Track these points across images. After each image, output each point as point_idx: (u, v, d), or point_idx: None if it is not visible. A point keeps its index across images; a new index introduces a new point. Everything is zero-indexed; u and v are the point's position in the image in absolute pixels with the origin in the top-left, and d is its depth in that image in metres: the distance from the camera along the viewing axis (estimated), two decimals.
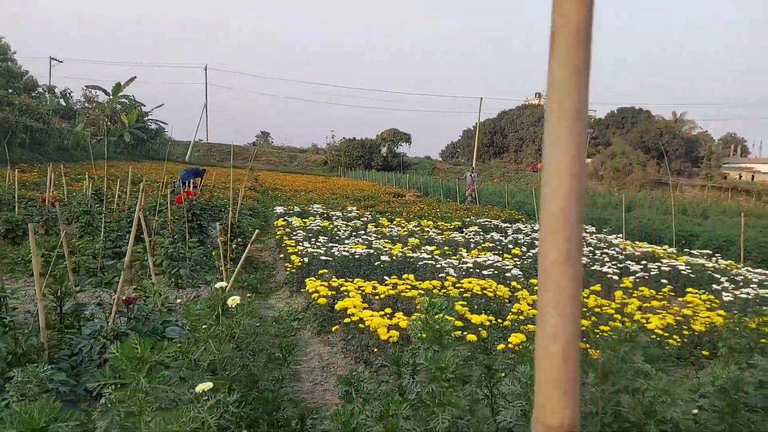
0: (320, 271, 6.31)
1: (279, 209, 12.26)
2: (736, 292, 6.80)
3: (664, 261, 8.64)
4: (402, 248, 8.47)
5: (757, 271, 8.49)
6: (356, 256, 7.08)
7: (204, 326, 2.33)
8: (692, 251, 10.39)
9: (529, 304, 5.27)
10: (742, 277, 8.14)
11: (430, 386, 2.00)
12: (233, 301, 2.42)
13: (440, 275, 6.88)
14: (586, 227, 13.11)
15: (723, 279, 7.47)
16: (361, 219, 12.55)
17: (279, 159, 58.59)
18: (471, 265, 7.49)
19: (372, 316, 4.49)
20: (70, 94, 43.59)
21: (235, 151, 61.87)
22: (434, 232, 11.53)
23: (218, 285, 2.52)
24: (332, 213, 12.69)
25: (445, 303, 2.27)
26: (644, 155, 46.47)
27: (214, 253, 6.92)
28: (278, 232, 9.26)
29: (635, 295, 6.92)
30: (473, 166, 26.93)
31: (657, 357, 2.47)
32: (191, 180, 19.10)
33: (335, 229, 9.69)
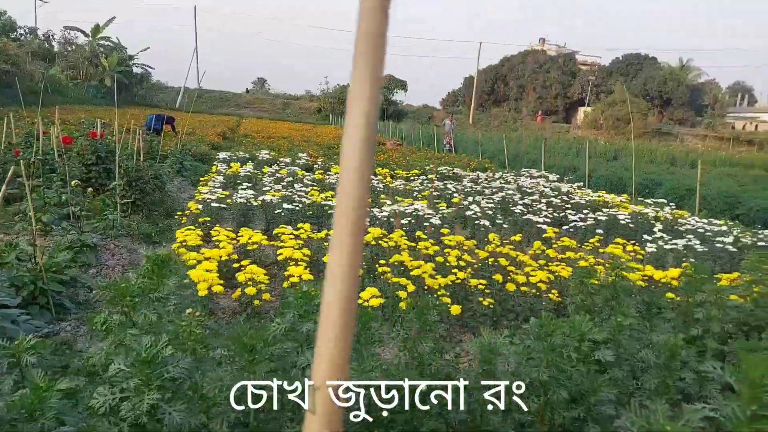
0: (200, 219, 5.85)
1: (222, 155, 11.69)
2: (662, 244, 6.29)
3: (604, 210, 8.10)
4: (329, 196, 7.98)
5: (704, 221, 7.94)
6: (254, 204, 6.59)
7: None
8: (648, 200, 9.82)
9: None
10: (687, 227, 7.62)
11: None
12: None
13: None
14: (548, 175, 12.52)
15: (657, 229, 6.94)
16: (313, 166, 12.02)
17: (273, 107, 57.34)
18: (387, 213, 6.99)
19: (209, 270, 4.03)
20: (52, 36, 42.27)
21: (228, 97, 60.67)
22: (383, 181, 11.00)
23: None
24: (281, 159, 12.12)
25: None
26: (645, 103, 44.96)
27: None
28: (203, 179, 8.77)
29: (555, 245, 6.46)
30: (451, 114, 25.91)
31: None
32: (160, 126, 18.51)
33: (265, 176, 9.15)
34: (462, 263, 5.08)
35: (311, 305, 2.27)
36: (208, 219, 5.96)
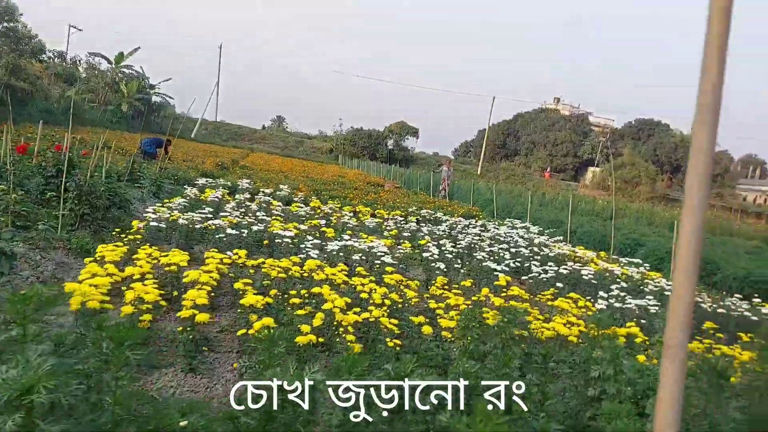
0: (129, 237, 5.70)
1: (202, 181, 11.67)
2: (614, 302, 5.98)
3: (569, 264, 7.81)
4: (291, 227, 7.84)
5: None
6: (196, 227, 6.45)
7: None
8: (623, 260, 9.51)
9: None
10: (654, 288, 7.30)
11: None
12: None
13: (300, 254, 6.25)
14: (528, 226, 12.28)
15: (615, 287, 6.63)
16: (294, 198, 11.95)
17: (286, 144, 58.21)
18: (337, 248, 6.78)
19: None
20: (79, 61, 43.77)
21: (244, 132, 61.84)
22: (361, 218, 10.87)
23: None
24: (263, 190, 12.07)
25: None
26: (654, 168, 44.86)
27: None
28: (167, 201, 8.68)
29: (504, 294, 6.19)
30: (451, 159, 25.82)
31: None
32: (154, 150, 18.75)
33: (229, 204, 9.04)
34: (387, 302, 4.84)
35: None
36: (140, 237, 5.81)
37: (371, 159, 47.44)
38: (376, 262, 6.74)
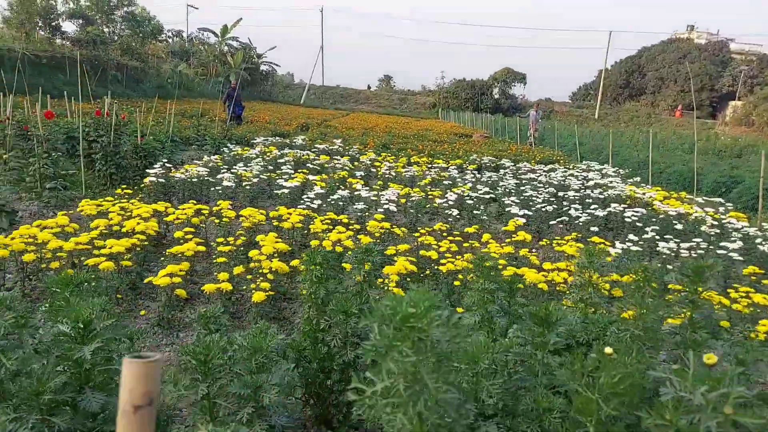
0: (118, 191, 5.87)
1: (259, 139, 11.89)
2: (627, 245, 5.02)
3: (613, 205, 6.73)
4: (318, 179, 7.69)
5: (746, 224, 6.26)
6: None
7: None
8: (707, 198, 8.06)
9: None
10: (712, 232, 6.06)
11: None
12: None
13: (301, 205, 6.09)
14: (606, 168, 10.87)
15: (649, 229, 5.57)
16: (347, 152, 11.76)
17: (390, 102, 58.05)
18: (337, 197, 6.47)
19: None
20: (193, 37, 46.99)
21: (350, 94, 62.73)
22: (399, 168, 10.42)
23: None
24: (317, 144, 12.03)
25: None
26: None
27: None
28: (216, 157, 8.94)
29: (507, 240, 5.51)
30: (537, 103, 23.60)
31: None
32: (240, 112, 19.76)
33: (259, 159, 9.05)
34: (339, 249, 4.49)
35: None
36: (130, 191, 6.00)
37: (475, 111, 45.64)
38: (378, 210, 6.35)
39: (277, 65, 48.53)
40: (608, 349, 1.38)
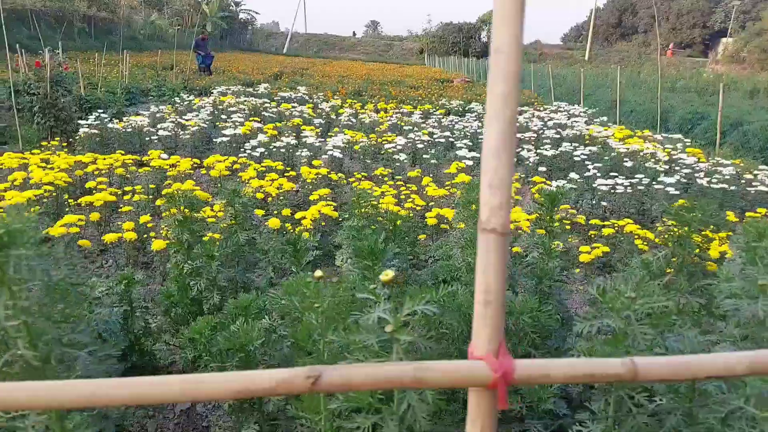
0: (43, 143, 5.66)
1: (219, 89, 11.53)
2: (565, 182, 4.91)
3: (565, 144, 6.57)
4: (268, 128, 7.45)
5: (716, 160, 6.15)
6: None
7: None
8: (667, 135, 7.92)
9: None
10: (660, 167, 5.95)
11: None
12: None
13: (242, 155, 5.91)
14: (575, 109, 10.64)
15: (589, 165, 5.46)
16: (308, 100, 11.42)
17: (375, 49, 56.52)
18: (281, 145, 6.28)
19: None
20: None
21: (334, 41, 60.91)
22: (364, 115, 10.14)
23: None
24: (281, 93, 11.70)
25: None
26: None
27: None
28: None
29: (448, 183, 5.40)
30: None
31: None
32: (210, 62, 19.32)
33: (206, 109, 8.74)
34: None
35: None
36: (65, 144, 5.80)
37: (464, 55, 44.45)
38: (322, 156, 6.19)
39: (257, 13, 47.14)
40: (318, 273, 1.32)
